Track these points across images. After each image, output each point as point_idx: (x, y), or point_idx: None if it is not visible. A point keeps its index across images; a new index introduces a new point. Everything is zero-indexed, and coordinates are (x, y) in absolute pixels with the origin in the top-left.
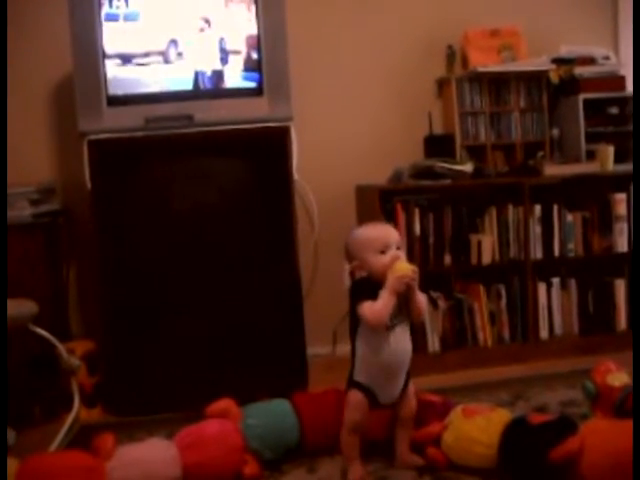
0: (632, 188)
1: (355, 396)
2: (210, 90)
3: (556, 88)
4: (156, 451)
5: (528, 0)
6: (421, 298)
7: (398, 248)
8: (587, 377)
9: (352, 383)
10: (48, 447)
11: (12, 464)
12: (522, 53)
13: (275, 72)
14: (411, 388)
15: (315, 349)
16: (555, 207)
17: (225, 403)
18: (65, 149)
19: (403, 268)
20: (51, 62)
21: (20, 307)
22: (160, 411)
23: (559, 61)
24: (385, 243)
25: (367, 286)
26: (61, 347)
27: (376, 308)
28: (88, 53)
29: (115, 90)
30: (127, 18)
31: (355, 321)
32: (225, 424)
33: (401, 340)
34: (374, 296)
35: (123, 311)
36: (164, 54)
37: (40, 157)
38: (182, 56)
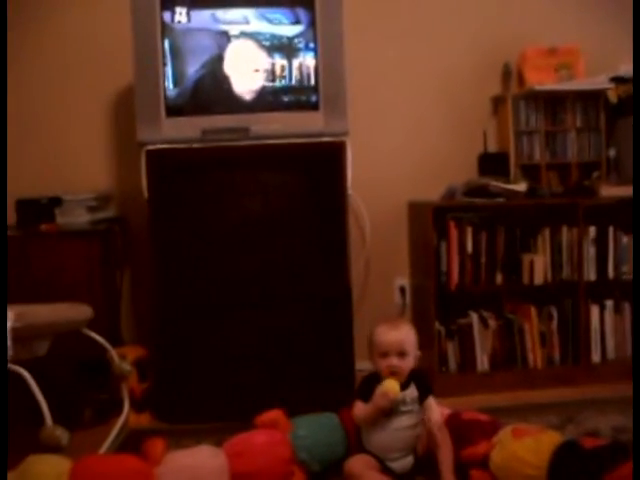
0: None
1: (363, 459)
2: (267, 103)
3: (614, 108)
4: (205, 458)
5: (587, 18)
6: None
7: (402, 353)
8: None
9: (362, 449)
10: (98, 449)
11: (65, 463)
12: (580, 72)
13: (332, 87)
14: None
15: (364, 364)
16: (610, 229)
17: (275, 414)
18: (122, 158)
19: (389, 387)
20: (112, 73)
21: (76, 311)
22: (207, 420)
23: (618, 80)
24: (384, 350)
25: (369, 385)
26: (114, 352)
27: (356, 412)
28: (149, 64)
29: (174, 101)
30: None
31: None
32: (274, 434)
33: (403, 426)
34: (370, 394)
35: (174, 319)
36: (222, 65)
37: (99, 165)
38: (240, 68)
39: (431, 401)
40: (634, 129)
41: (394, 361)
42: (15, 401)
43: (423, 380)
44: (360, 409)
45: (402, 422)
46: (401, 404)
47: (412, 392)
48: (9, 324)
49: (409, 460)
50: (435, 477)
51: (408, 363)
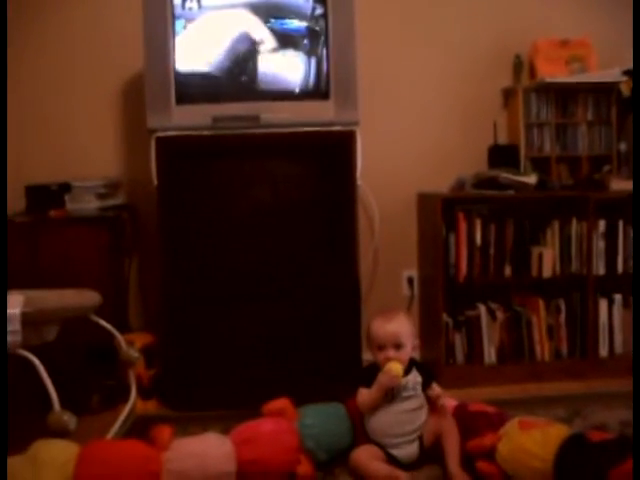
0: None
1: (369, 449)
2: (277, 92)
3: (626, 101)
4: (212, 445)
5: (600, 10)
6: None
7: (398, 345)
8: None
9: (368, 440)
10: (105, 435)
11: (72, 448)
12: (592, 65)
13: (343, 76)
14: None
15: (371, 355)
16: (620, 223)
17: (282, 402)
18: (132, 145)
19: (392, 367)
20: (122, 59)
21: (84, 297)
22: (214, 407)
23: (631, 73)
24: (380, 343)
25: (370, 373)
26: (121, 338)
27: (361, 398)
28: (159, 51)
29: (184, 88)
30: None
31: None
32: (281, 423)
33: (404, 409)
34: (372, 382)
35: (182, 306)
36: (234, 53)
37: (108, 152)
38: (251, 56)
39: (434, 385)
40: (634, 126)
41: (391, 353)
42: (24, 386)
43: (425, 367)
44: (364, 394)
45: (404, 406)
46: (403, 389)
47: (414, 377)
48: (19, 309)
49: (414, 449)
50: (441, 467)
51: (405, 354)
